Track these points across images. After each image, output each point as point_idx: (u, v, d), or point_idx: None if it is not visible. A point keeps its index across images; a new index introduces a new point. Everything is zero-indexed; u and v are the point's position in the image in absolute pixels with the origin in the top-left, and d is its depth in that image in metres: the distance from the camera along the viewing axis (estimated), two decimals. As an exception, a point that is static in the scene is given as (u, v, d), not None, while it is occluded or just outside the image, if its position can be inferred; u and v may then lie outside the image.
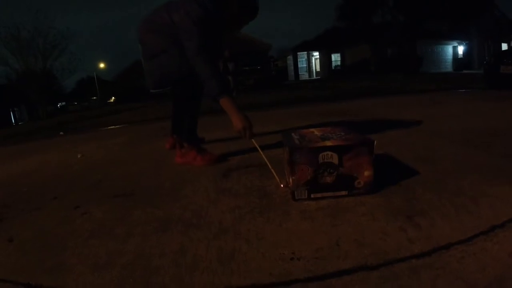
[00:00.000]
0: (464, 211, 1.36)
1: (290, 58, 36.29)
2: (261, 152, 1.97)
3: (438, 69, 26.94)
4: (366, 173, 1.56)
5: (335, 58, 33.77)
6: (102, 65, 46.99)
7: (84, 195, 2.09)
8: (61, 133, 7.53)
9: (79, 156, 3.51)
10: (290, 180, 1.58)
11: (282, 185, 1.74)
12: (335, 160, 1.52)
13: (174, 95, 2.56)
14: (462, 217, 1.31)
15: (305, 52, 36.15)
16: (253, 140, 2.05)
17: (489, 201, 1.43)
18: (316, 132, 1.84)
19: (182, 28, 2.16)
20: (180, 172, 2.33)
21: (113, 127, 7.13)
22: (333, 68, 33.36)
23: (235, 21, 2.27)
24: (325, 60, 34.42)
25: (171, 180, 2.17)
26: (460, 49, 29.62)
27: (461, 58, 29.08)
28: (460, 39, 28.56)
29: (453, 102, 5.23)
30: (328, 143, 1.56)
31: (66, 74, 30.30)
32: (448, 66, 28.95)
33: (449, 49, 29.77)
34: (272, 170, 1.84)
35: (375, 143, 1.56)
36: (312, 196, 1.57)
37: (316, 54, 36.21)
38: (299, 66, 36.04)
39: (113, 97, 41.63)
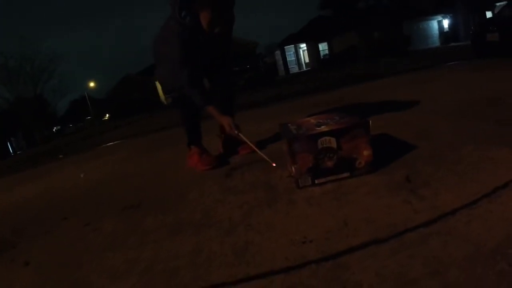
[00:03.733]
0: (466, 178, 1.38)
1: (278, 53, 36.27)
2: (246, 140, 2.20)
3: (426, 45, 26.95)
4: (365, 153, 1.59)
5: (323, 47, 33.73)
6: (92, 84, 46.77)
7: (93, 212, 2.11)
8: (60, 156, 7.55)
9: (81, 176, 3.54)
10: (293, 168, 1.61)
11: (274, 164, 1.89)
12: (333, 144, 1.55)
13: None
14: (464, 184, 1.33)
15: (292, 45, 36.16)
16: (240, 134, 2.21)
17: (489, 166, 1.46)
18: (312, 120, 1.88)
19: (168, 44, 2.27)
20: (184, 179, 2.36)
21: (111, 143, 7.15)
22: (321, 57, 33.35)
23: (215, 22, 2.19)
24: (313, 51, 34.41)
25: (176, 187, 2.20)
26: (445, 23, 29.62)
27: (447, 32, 29.08)
28: (444, 12, 28.56)
29: (442, 77, 5.26)
30: (325, 129, 1.59)
31: (58, 96, 30.42)
32: (435, 41, 28.95)
33: (435, 24, 29.77)
34: (262, 154, 2.03)
35: (370, 122, 1.59)
36: (316, 181, 1.60)
37: (303, 46, 36.21)
38: (287, 59, 36.01)
39: (107, 114, 41.64)
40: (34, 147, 21.06)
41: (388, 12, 25.34)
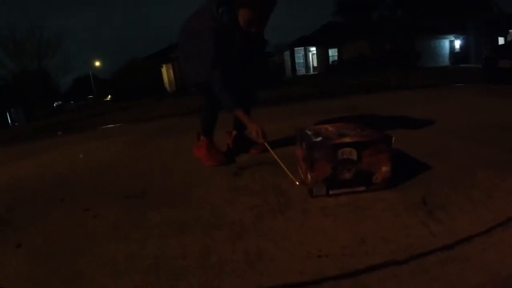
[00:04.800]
0: (480, 205, 1.39)
1: (287, 53, 36.15)
2: (273, 153, 1.96)
3: (435, 63, 26.86)
4: (384, 169, 1.55)
5: (332, 53, 33.65)
6: (97, 63, 46.60)
7: (92, 197, 2.03)
8: (59, 133, 7.46)
9: (81, 156, 3.46)
10: (308, 176, 1.56)
11: (297, 183, 1.73)
12: (354, 156, 1.51)
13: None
14: (479, 210, 1.34)
15: (302, 48, 36.05)
16: (266, 144, 2.05)
17: (503, 194, 1.47)
18: (330, 128, 1.83)
19: (200, 39, 2.15)
20: (190, 171, 2.31)
21: (112, 125, 7.05)
22: (330, 63, 33.28)
23: (253, 22, 2.12)
24: (322, 56, 34.30)
25: (182, 180, 2.14)
26: (457, 43, 29.58)
27: (458, 52, 29.02)
28: (457, 33, 28.53)
29: (456, 97, 5.20)
30: (347, 139, 1.55)
31: (61, 73, 30.39)
32: (445, 60, 28.89)
33: (446, 43, 29.72)
34: (286, 169, 1.82)
35: (393, 139, 1.54)
36: (330, 192, 1.56)
37: (313, 49, 36.08)
38: (296, 61, 35.90)
39: (109, 96, 41.44)
40: (33, 121, 20.84)
41: (401, 25, 25.30)
